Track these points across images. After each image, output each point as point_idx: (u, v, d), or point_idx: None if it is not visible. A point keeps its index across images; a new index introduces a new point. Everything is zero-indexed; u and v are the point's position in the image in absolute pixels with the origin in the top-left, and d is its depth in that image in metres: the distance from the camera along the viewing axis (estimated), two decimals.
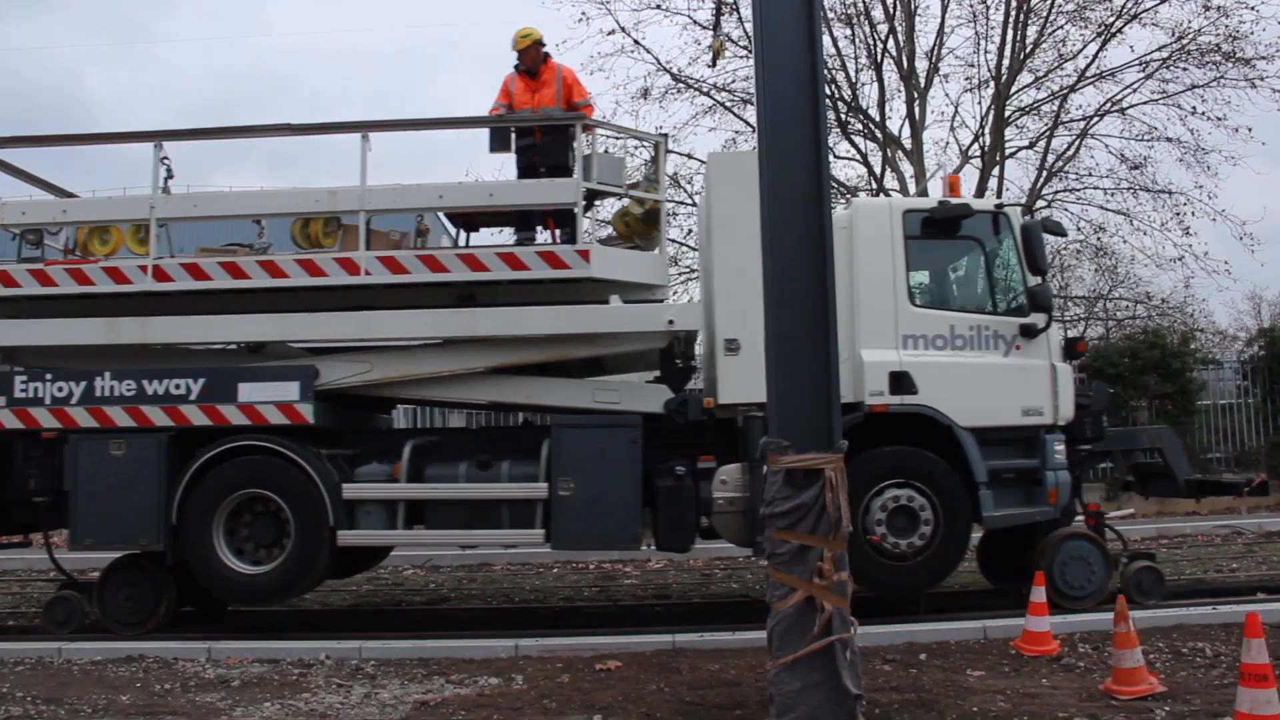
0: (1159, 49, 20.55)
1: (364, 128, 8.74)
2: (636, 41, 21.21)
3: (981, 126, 22.16)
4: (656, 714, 5.74)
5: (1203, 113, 20.47)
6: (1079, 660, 6.84)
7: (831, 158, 20.74)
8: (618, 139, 8.81)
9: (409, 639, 8.13)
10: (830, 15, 20.90)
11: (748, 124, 21.28)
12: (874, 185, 22.39)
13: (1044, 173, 21.99)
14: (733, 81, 21.48)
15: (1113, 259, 23.48)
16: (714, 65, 20.41)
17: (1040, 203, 22.35)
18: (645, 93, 21.49)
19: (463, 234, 9.78)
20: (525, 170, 9.20)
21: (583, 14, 20.92)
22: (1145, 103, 21.12)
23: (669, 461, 8.40)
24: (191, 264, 8.61)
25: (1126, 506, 16.94)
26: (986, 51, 21.97)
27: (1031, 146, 22.40)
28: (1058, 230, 9.46)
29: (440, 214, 9.76)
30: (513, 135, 9.21)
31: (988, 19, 21.67)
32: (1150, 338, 18.50)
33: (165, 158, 8.80)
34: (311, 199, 8.84)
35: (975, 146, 22.38)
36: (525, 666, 7.16)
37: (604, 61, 21.54)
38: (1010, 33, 21.23)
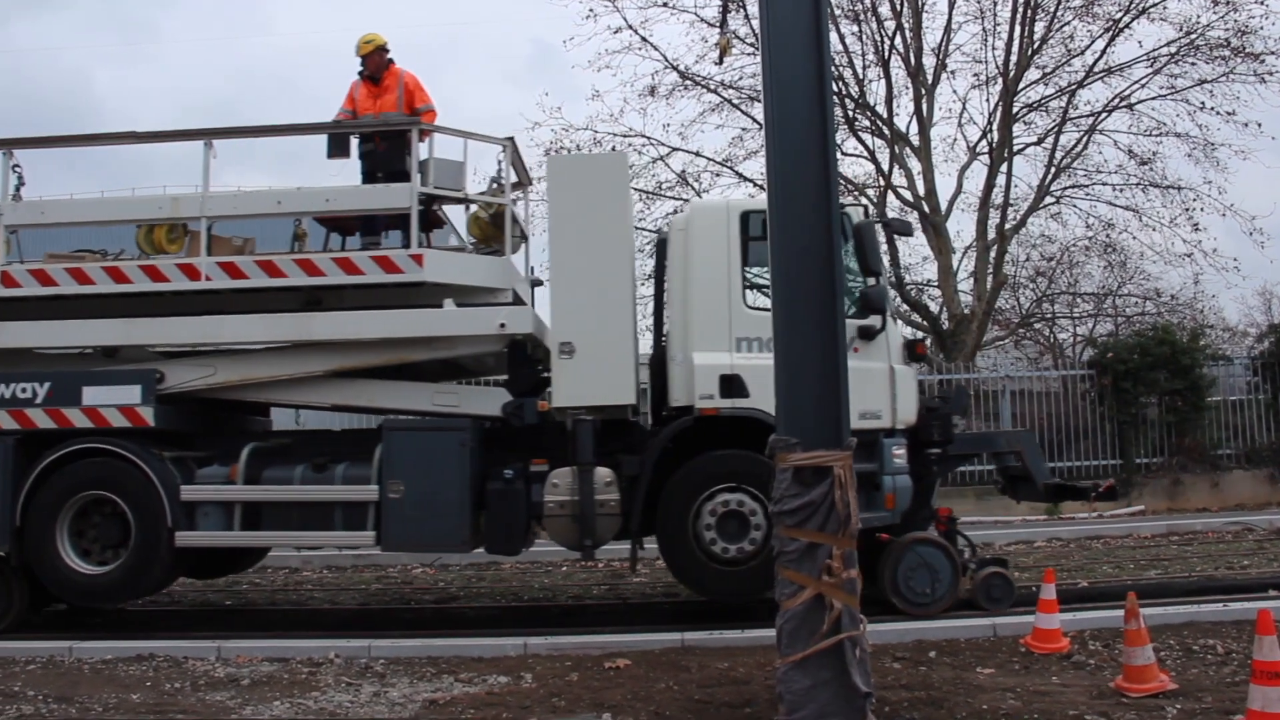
0: (1167, 44, 20.52)
1: (207, 135, 8.91)
2: (644, 39, 21.24)
3: (989, 123, 22.14)
4: (666, 712, 5.74)
5: (1212, 108, 20.45)
6: (1089, 658, 6.82)
7: (839, 155, 20.68)
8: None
9: (418, 638, 8.13)
10: (837, 12, 20.90)
11: (755, 121, 21.28)
12: (882, 182, 22.38)
13: (1052, 169, 21.96)
14: (740, 79, 21.51)
15: (1121, 255, 23.48)
16: (721, 62, 20.48)
17: (1049, 199, 22.33)
18: (652, 90, 21.53)
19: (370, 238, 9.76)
20: (368, 176, 9.29)
21: (590, 11, 20.98)
22: (1154, 98, 21.10)
23: (503, 465, 8.45)
24: (39, 270, 8.73)
25: (1136, 504, 16.92)
26: (994, 48, 21.96)
27: (1039, 143, 22.39)
28: (903, 230, 9.31)
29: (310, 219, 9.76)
30: (355, 141, 9.33)
31: (995, 15, 21.67)
32: (1159, 334, 18.42)
33: (16, 165, 8.95)
34: (155, 206, 8.93)
35: (983, 143, 22.37)
36: (534, 665, 7.17)
37: (611, 59, 21.59)
38: (1018, 28, 21.21)
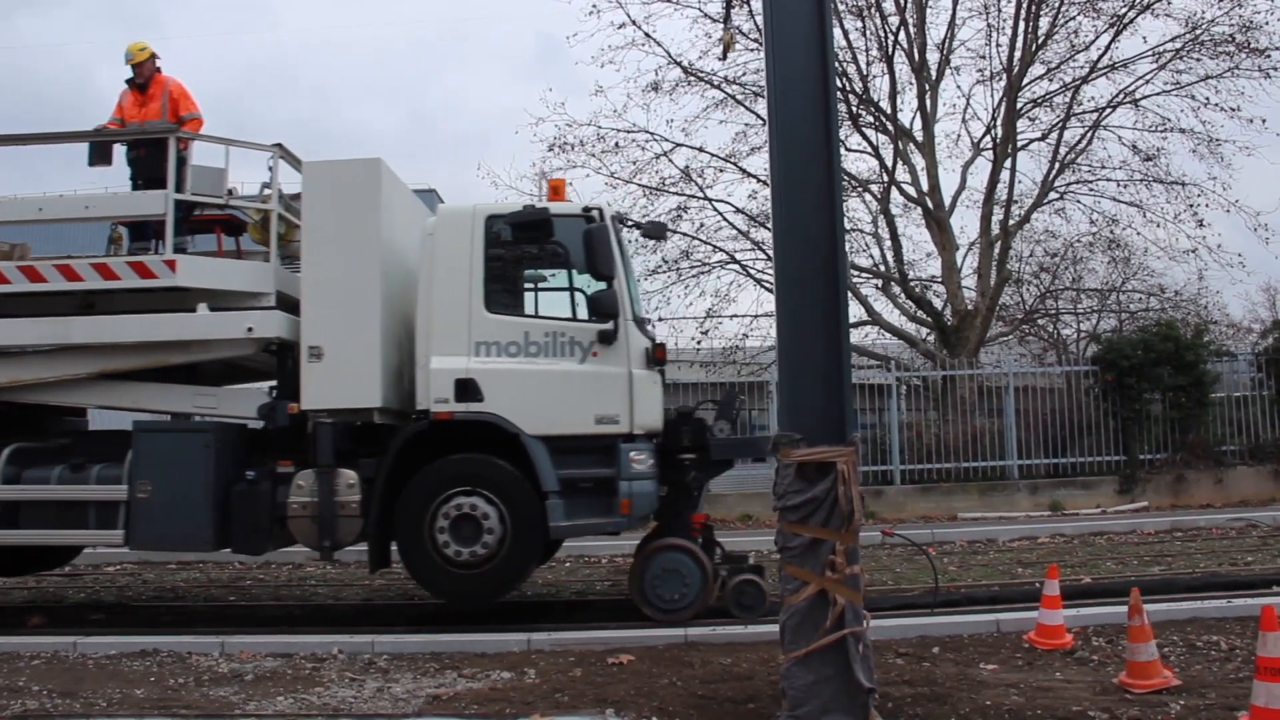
0: (1172, 39, 20.47)
1: None
2: (647, 34, 21.20)
3: (993, 118, 22.10)
4: (669, 708, 5.74)
5: (1216, 104, 20.40)
6: (1093, 654, 6.81)
7: (843, 151, 20.64)
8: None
9: (421, 633, 8.15)
10: (841, 8, 20.84)
11: (758, 117, 21.25)
12: (885, 178, 22.36)
13: (1056, 164, 21.92)
14: (743, 74, 21.47)
15: (1126, 251, 23.40)
16: (724, 58, 20.39)
17: (1053, 194, 22.29)
18: (656, 86, 21.50)
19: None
20: (134, 183, 9.40)
21: (594, 7, 20.91)
22: (1158, 94, 21.06)
23: (251, 468, 8.58)
24: None
25: (1140, 499, 16.91)
26: (998, 43, 21.92)
27: (1044, 138, 22.35)
28: (656, 234, 9.28)
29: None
30: (121, 149, 9.44)
31: (999, 10, 21.60)
32: (1163, 330, 18.39)
33: None
34: None
35: (987, 138, 22.33)
36: (537, 660, 7.17)
37: (614, 54, 21.58)
38: (1022, 24, 21.16)
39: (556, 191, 8.85)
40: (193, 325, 8.69)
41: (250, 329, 8.60)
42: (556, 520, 8.10)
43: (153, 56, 9.65)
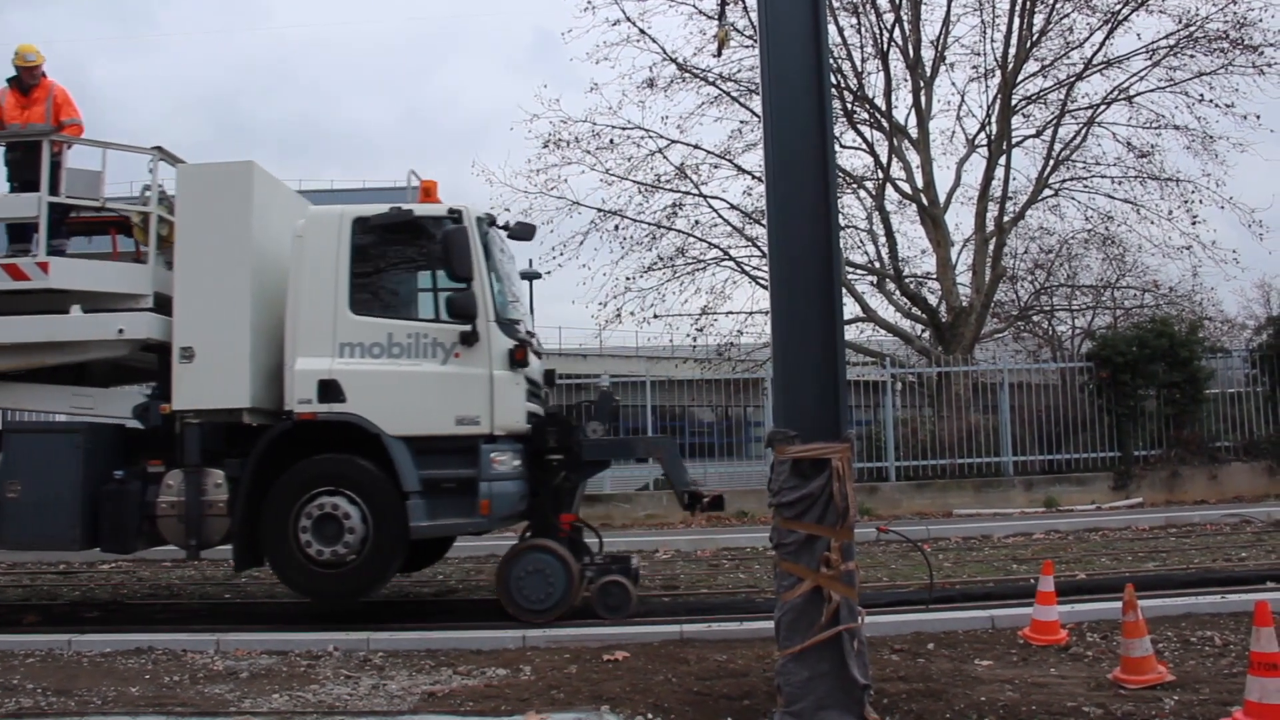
0: (1166, 36, 20.52)
1: None
2: (642, 31, 21.21)
3: (988, 115, 22.15)
4: (664, 704, 5.74)
5: (1211, 100, 20.46)
6: (1087, 650, 6.83)
7: (837, 147, 20.68)
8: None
9: (417, 630, 8.15)
10: (835, 4, 20.87)
11: (753, 114, 21.27)
12: (880, 174, 22.38)
13: (1051, 161, 21.97)
14: (738, 71, 21.50)
15: (1120, 248, 23.49)
16: (719, 55, 20.40)
17: (1047, 191, 22.32)
18: (651, 82, 21.51)
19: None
20: (11, 185, 9.46)
21: (589, 3, 20.91)
22: (1153, 90, 21.11)
23: (130, 468, 8.66)
24: None
25: (1135, 495, 16.94)
26: (993, 40, 21.96)
27: (1038, 135, 22.39)
28: (523, 235, 9.30)
29: None
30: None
31: (994, 7, 21.66)
32: (1158, 326, 18.42)
33: None
34: None
35: (982, 135, 22.37)
36: (533, 657, 7.17)
37: (610, 51, 21.56)
38: (1016, 20, 21.20)
39: (428, 193, 8.92)
40: (64, 327, 8.74)
41: (121, 330, 8.68)
42: (417, 520, 8.17)
43: (39, 62, 9.70)
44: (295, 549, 8.22)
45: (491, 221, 8.99)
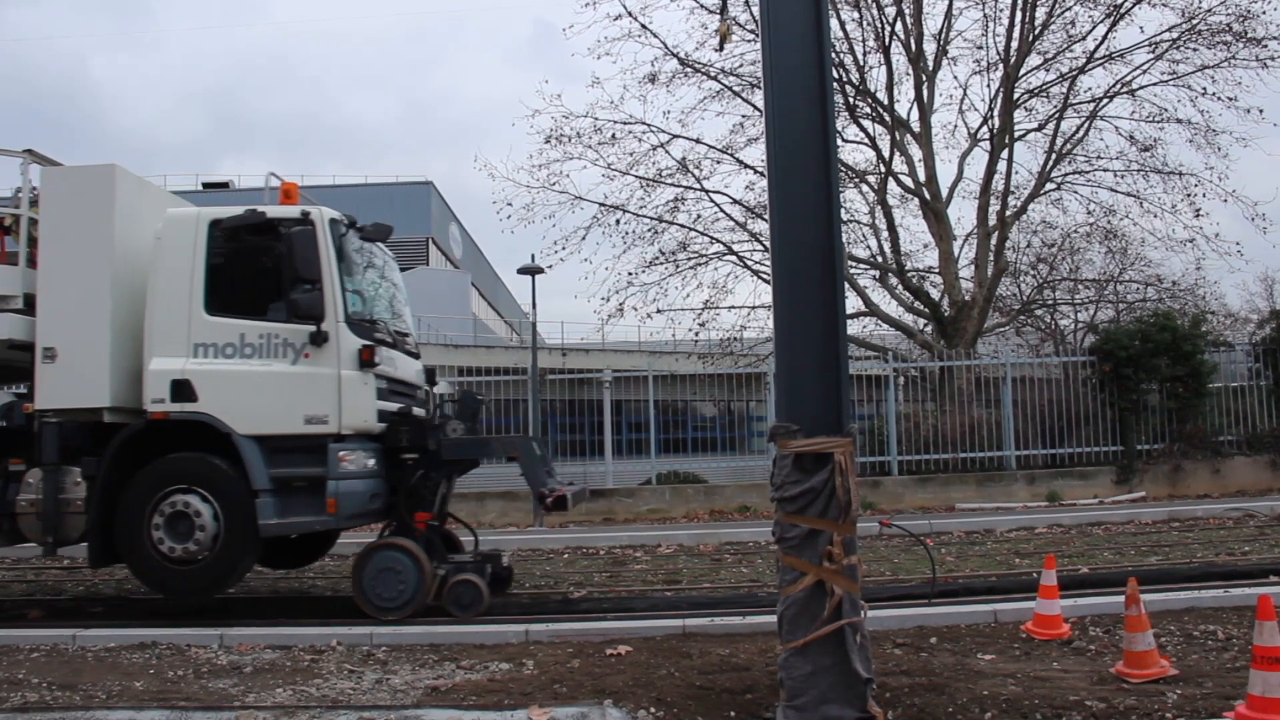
0: (1169, 29, 20.50)
1: None
2: (644, 26, 21.20)
3: (990, 109, 22.14)
4: (667, 698, 5.75)
5: (1213, 94, 20.45)
6: (1090, 644, 6.83)
7: (840, 142, 20.69)
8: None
9: (420, 625, 8.16)
10: None
11: (755, 108, 21.25)
12: (882, 168, 22.35)
13: (1053, 155, 21.94)
14: (740, 65, 21.49)
15: (1123, 241, 23.48)
16: (721, 49, 20.36)
17: (1050, 185, 22.30)
18: (652, 77, 21.51)
19: None
20: None
21: None
22: (1155, 84, 21.11)
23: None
24: None
25: (1137, 490, 16.94)
26: (995, 33, 22.02)
27: (1040, 129, 22.39)
28: (377, 236, 9.32)
29: None
30: None
31: (996, 1, 21.60)
32: (1161, 320, 18.43)
33: None
34: None
35: (984, 129, 22.36)
36: (536, 652, 7.18)
37: (611, 46, 21.57)
38: (1019, 14, 21.18)
39: (288, 195, 8.97)
40: None
41: None
42: (266, 518, 8.28)
43: None
44: (149, 546, 8.35)
45: (351, 224, 9.08)
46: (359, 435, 8.55)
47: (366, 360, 8.55)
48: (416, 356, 10.25)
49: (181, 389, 8.44)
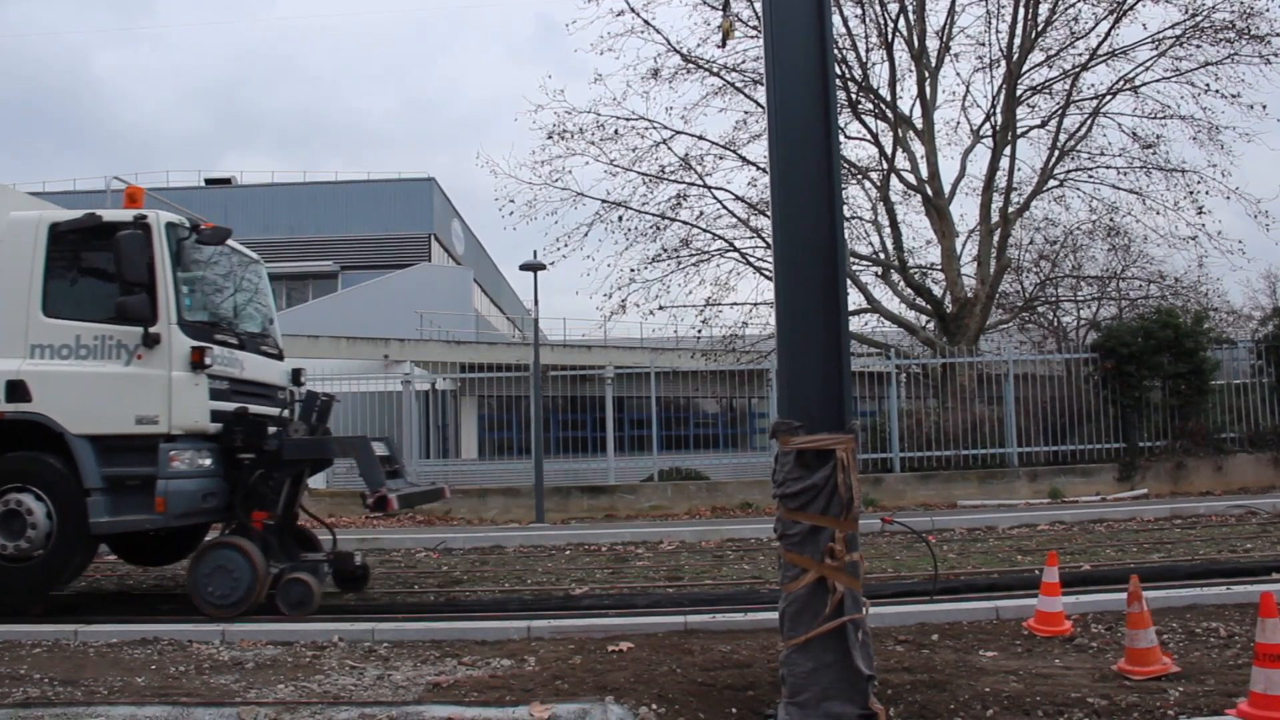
0: (1172, 26, 20.46)
1: None
2: (646, 22, 21.26)
3: (993, 105, 22.09)
4: (668, 695, 5.75)
5: (1216, 90, 20.40)
6: (1092, 641, 6.82)
7: (842, 138, 20.64)
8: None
9: (421, 621, 8.16)
10: None
11: (758, 104, 21.23)
12: (885, 165, 22.33)
13: (1056, 152, 21.91)
14: (743, 62, 21.46)
15: (1125, 238, 23.45)
16: (724, 45, 20.41)
17: (1052, 182, 22.27)
18: (655, 73, 21.48)
19: None
20: None
21: None
22: (1158, 81, 21.05)
23: None
24: None
25: (1140, 487, 16.93)
26: (998, 30, 21.95)
27: (1043, 125, 22.35)
28: (212, 239, 9.35)
29: None
30: None
31: None
32: (1163, 317, 18.41)
33: None
34: None
35: (987, 126, 22.33)
36: (537, 648, 7.18)
37: (614, 42, 21.60)
38: (1021, 10, 21.13)
39: (133, 199, 9.04)
40: None
41: None
42: (98, 516, 8.38)
43: None
44: None
45: (194, 228, 9.15)
46: (192, 435, 8.69)
47: (197, 362, 8.70)
48: (279, 358, 10.43)
49: (16, 389, 8.57)
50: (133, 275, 8.52)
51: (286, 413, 9.93)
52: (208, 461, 8.76)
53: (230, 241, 9.78)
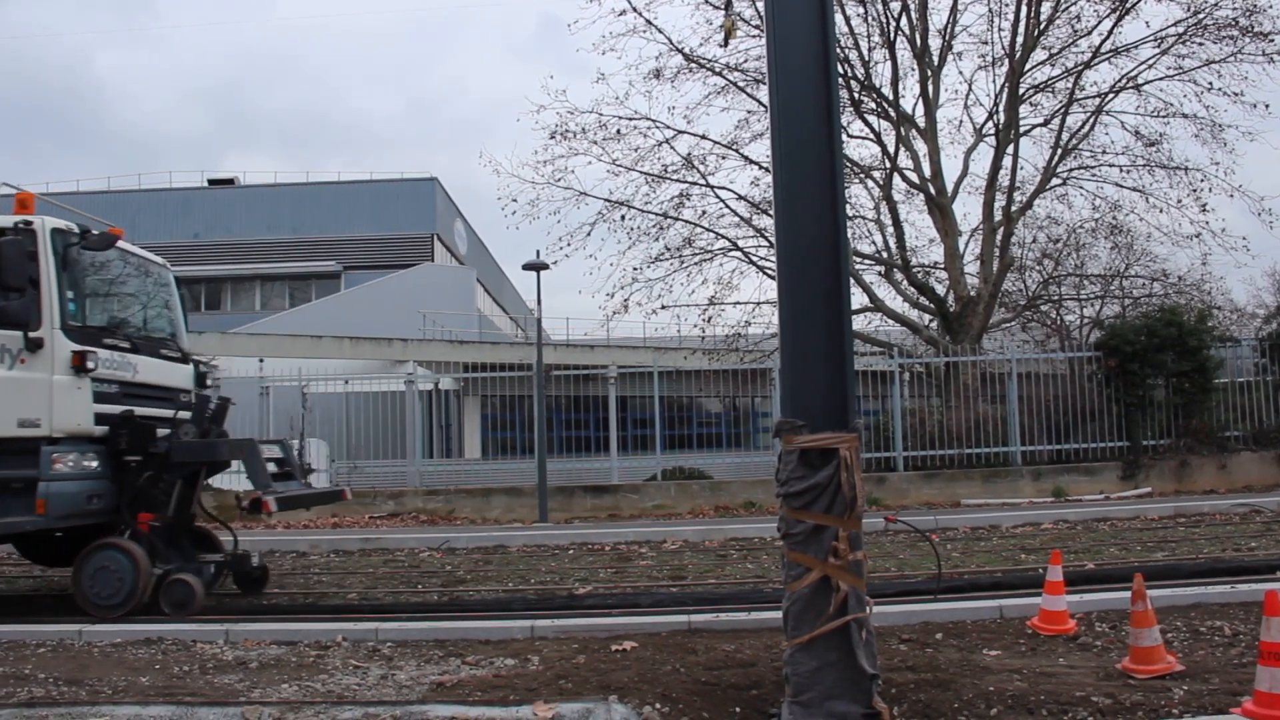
0: (1175, 24, 20.42)
1: None
2: (649, 21, 21.18)
3: (995, 104, 22.06)
4: (672, 694, 5.75)
5: (1219, 88, 20.36)
6: (1096, 639, 6.82)
7: (844, 137, 20.60)
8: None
9: (425, 620, 8.17)
10: None
11: (760, 104, 21.21)
12: (887, 164, 22.32)
13: (1059, 150, 21.88)
14: (745, 61, 21.43)
15: (1128, 237, 23.42)
16: (726, 44, 20.37)
17: (1055, 180, 22.24)
18: (657, 73, 21.45)
19: None
20: None
21: None
22: (1161, 79, 21.01)
23: None
24: None
25: (1143, 485, 16.91)
26: (1000, 28, 21.89)
27: (1046, 124, 22.32)
28: (98, 245, 9.37)
29: None
30: None
31: None
32: (1167, 315, 18.39)
33: None
34: None
35: (989, 124, 22.30)
36: (541, 648, 7.18)
37: (616, 41, 21.50)
38: (1024, 9, 21.10)
39: (23, 205, 9.06)
40: None
41: None
42: None
43: None
44: None
45: (83, 234, 9.19)
46: (77, 438, 8.74)
47: (79, 365, 8.74)
48: (183, 360, 10.46)
49: None
50: (14, 280, 8.60)
51: (180, 415, 9.94)
52: (93, 464, 8.83)
53: (133, 247, 9.88)
